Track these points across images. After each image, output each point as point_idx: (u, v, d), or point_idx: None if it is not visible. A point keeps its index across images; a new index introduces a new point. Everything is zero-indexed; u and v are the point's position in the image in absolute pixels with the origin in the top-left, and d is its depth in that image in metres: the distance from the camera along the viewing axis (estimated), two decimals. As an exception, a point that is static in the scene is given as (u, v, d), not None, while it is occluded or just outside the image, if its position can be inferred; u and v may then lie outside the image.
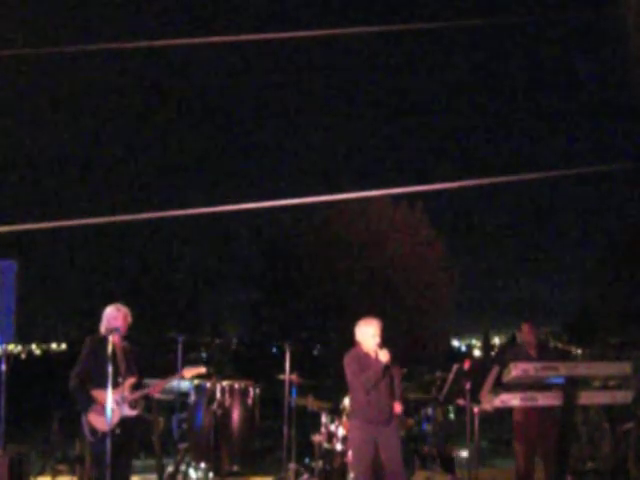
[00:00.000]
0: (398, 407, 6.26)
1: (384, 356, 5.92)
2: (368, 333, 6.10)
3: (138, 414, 5.91)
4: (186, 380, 8.09)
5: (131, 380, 5.86)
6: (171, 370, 6.58)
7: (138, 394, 5.88)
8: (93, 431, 5.67)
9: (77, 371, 5.77)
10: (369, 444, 5.99)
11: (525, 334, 6.98)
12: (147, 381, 6.18)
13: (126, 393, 5.79)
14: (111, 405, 5.50)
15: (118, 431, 5.66)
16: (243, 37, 6.05)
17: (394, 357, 6.07)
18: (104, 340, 5.74)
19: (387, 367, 6.01)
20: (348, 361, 6.11)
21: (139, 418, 6.00)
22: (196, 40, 5.83)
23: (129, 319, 6.00)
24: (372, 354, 6.05)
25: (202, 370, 6.59)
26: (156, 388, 6.11)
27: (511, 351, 7.47)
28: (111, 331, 5.69)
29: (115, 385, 5.63)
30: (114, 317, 5.91)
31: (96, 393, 5.68)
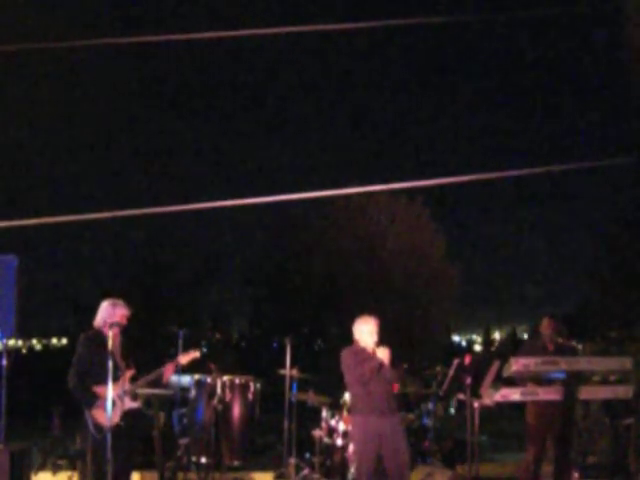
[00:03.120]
0: (394, 386, 6.24)
1: (383, 354, 5.93)
2: (365, 331, 6.12)
3: (139, 406, 5.93)
4: (186, 374, 8.12)
5: (130, 372, 5.87)
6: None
7: (137, 385, 5.90)
8: (98, 427, 5.65)
9: (75, 370, 5.74)
10: (372, 440, 5.94)
11: (544, 328, 7.04)
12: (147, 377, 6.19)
13: (126, 386, 5.80)
14: (114, 399, 5.51)
15: (122, 424, 5.67)
16: (247, 32, 6.04)
17: (393, 358, 6.07)
18: (100, 335, 5.75)
19: (382, 365, 5.98)
20: (344, 356, 6.12)
21: (140, 411, 6.02)
22: (201, 35, 5.82)
23: (126, 313, 5.99)
24: (369, 350, 6.06)
25: (196, 354, 6.62)
26: (151, 377, 6.10)
27: (528, 343, 7.48)
28: (111, 325, 5.67)
29: (115, 379, 5.63)
30: (109, 313, 5.90)
31: (98, 389, 5.67)
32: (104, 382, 5.51)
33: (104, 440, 5.48)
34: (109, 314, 5.88)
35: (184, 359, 6.50)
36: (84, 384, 5.69)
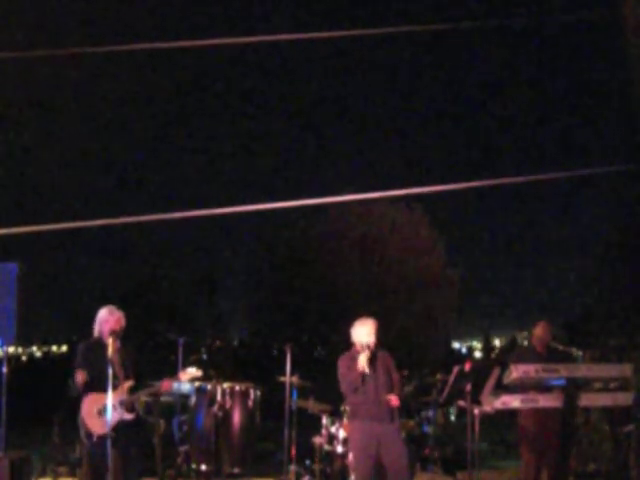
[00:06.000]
0: (395, 400, 6.21)
1: (361, 362, 5.92)
2: (362, 332, 6.12)
3: (135, 417, 5.90)
4: (186, 382, 8.10)
5: (128, 383, 5.85)
6: (171, 372, 6.58)
7: (135, 397, 5.88)
8: (88, 435, 5.67)
9: (74, 378, 5.79)
10: (370, 445, 5.95)
11: (540, 331, 7.08)
12: (153, 383, 6.19)
13: (124, 396, 5.79)
14: (109, 408, 5.51)
15: (114, 435, 5.64)
16: (244, 39, 6.06)
17: (383, 354, 6.06)
18: (99, 343, 5.77)
19: (364, 374, 5.97)
20: (339, 364, 6.15)
21: (137, 421, 5.99)
22: (201, 42, 5.83)
23: (122, 322, 5.99)
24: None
25: (198, 374, 6.59)
26: (149, 391, 6.09)
27: (517, 351, 7.48)
28: (110, 334, 5.69)
29: (113, 388, 5.64)
30: (106, 320, 5.91)
31: (93, 397, 5.68)
32: (101, 390, 5.54)
33: (98, 448, 5.51)
34: (105, 320, 5.90)
35: (185, 377, 6.46)
36: (84, 392, 5.72)
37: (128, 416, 5.79)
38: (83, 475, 5.87)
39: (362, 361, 5.93)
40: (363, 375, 5.96)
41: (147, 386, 6.03)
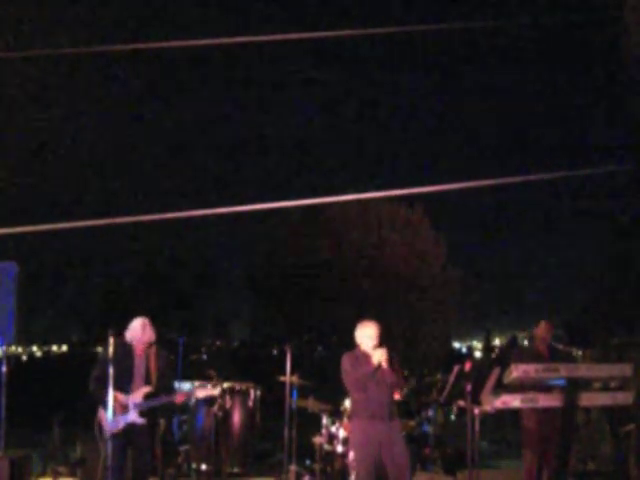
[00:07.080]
0: (396, 394, 6.19)
1: (377, 357, 5.93)
2: (365, 334, 6.13)
3: (148, 422, 5.92)
4: (186, 381, 8.13)
5: (144, 389, 5.89)
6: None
7: (149, 403, 5.90)
8: (102, 431, 5.79)
9: (94, 375, 5.90)
10: (371, 444, 5.93)
11: (542, 331, 7.11)
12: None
13: (137, 400, 5.83)
14: (116, 410, 5.58)
15: (122, 436, 5.75)
16: (245, 39, 6.07)
17: (390, 356, 6.05)
18: (124, 345, 5.87)
19: (378, 368, 5.98)
20: (343, 361, 6.13)
21: (150, 426, 6.00)
22: (197, 42, 5.84)
23: (152, 337, 6.09)
24: (369, 354, 6.06)
25: (214, 393, 6.60)
26: (164, 400, 6.10)
27: (517, 350, 7.49)
28: (111, 336, 5.74)
29: (127, 391, 5.72)
30: (138, 339, 6.00)
31: (111, 395, 5.74)
32: (119, 390, 5.71)
33: (106, 445, 5.59)
34: (138, 339, 6.02)
35: (201, 393, 6.47)
36: (101, 388, 5.77)
37: (139, 420, 5.85)
38: (97, 473, 5.94)
39: (377, 356, 5.93)
40: (374, 370, 5.95)
41: (164, 394, 6.04)
